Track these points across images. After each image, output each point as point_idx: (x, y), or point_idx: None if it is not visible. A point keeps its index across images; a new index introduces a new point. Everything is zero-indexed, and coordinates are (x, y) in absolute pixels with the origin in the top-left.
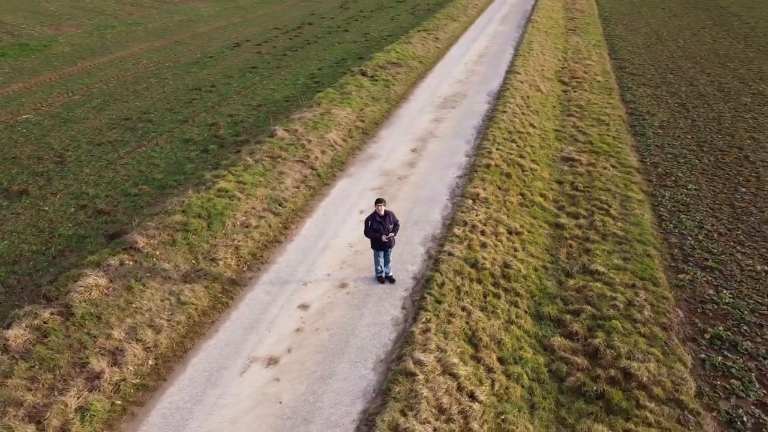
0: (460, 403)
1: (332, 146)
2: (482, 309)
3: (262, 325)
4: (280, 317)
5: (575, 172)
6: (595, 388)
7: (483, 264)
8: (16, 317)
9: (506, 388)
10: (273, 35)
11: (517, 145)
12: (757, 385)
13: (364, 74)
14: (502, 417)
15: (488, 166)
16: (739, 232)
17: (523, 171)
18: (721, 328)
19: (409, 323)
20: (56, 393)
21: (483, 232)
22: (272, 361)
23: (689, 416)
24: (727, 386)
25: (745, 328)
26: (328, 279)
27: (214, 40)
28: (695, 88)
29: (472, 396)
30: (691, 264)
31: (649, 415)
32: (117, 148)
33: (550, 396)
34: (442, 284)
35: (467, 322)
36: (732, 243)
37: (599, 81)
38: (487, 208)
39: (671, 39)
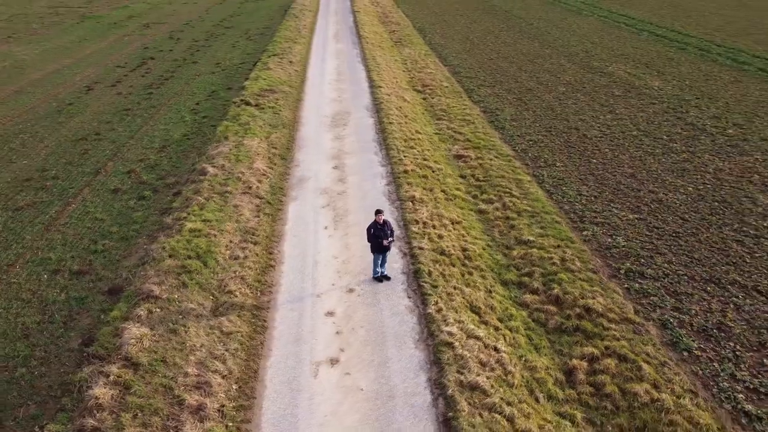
0: (491, 356)
1: (264, 175)
2: (467, 285)
3: (305, 335)
4: (316, 326)
5: (470, 166)
6: (570, 324)
7: (449, 251)
8: (83, 380)
9: (513, 338)
10: (121, 74)
11: (417, 150)
12: (668, 297)
13: (248, 104)
14: (524, 359)
15: (406, 171)
16: (607, 193)
17: (433, 171)
18: (628, 264)
19: (421, 308)
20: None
21: (434, 226)
22: (334, 361)
23: (639, 328)
24: (651, 302)
25: (643, 260)
26: (335, 288)
27: (59, 86)
28: (521, 84)
29: (496, 349)
30: (586, 222)
31: (614, 333)
32: (42, 210)
33: (543, 338)
34: (429, 273)
35: (464, 298)
36: (606, 202)
37: (446, 86)
38: (426, 206)
39: (482, 43)
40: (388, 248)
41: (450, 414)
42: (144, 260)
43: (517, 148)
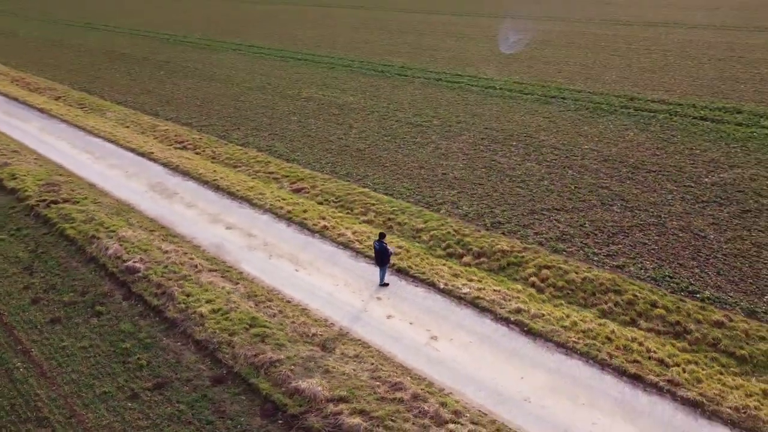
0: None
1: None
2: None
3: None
4: (411, 332)
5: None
6: None
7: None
8: None
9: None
10: None
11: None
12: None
13: (56, 202)
14: None
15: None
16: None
17: None
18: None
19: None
20: None
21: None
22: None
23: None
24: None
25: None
26: (379, 301)
27: None
28: (251, 120)
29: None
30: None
31: None
32: None
33: None
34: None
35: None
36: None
37: (197, 138)
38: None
39: (178, 94)
40: (388, 263)
41: None
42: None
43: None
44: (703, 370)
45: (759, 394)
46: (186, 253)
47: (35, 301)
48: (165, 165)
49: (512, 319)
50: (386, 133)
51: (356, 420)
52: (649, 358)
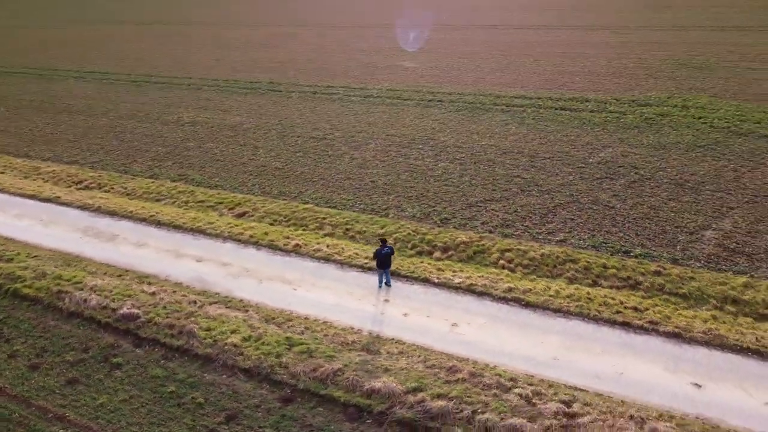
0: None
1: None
2: None
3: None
4: (432, 324)
5: None
6: None
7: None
8: None
9: None
10: None
11: None
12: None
13: None
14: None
15: None
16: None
17: None
18: None
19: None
20: None
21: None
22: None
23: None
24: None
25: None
26: (388, 303)
27: None
28: (156, 150)
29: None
30: None
31: None
32: None
33: None
34: None
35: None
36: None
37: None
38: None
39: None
40: (389, 266)
41: None
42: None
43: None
44: (665, 309)
45: (712, 319)
46: (174, 291)
47: (34, 367)
48: (82, 208)
49: (509, 297)
50: (296, 150)
51: (440, 403)
52: (625, 308)
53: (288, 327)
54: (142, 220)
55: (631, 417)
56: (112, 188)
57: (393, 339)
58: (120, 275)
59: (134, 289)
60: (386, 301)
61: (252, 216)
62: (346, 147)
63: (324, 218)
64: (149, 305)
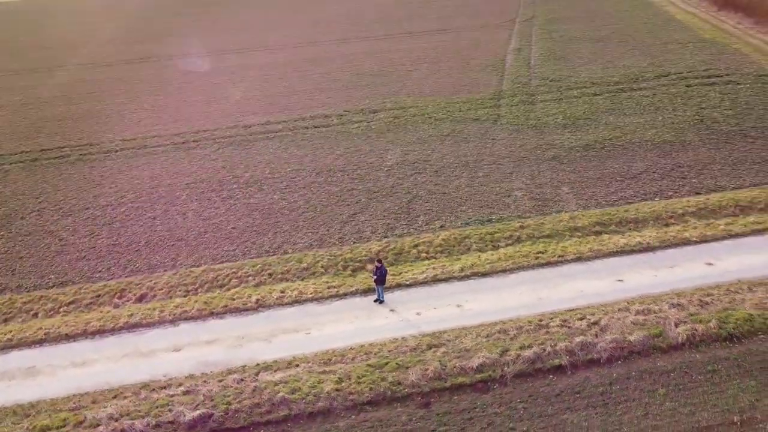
0: None
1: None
2: None
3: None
4: (456, 311)
5: None
6: None
7: None
8: None
9: None
10: None
11: None
12: None
13: None
14: None
15: None
16: None
17: None
18: None
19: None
20: None
21: None
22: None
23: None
24: None
25: None
26: (395, 312)
27: None
28: None
29: None
30: None
31: None
32: None
33: None
34: None
35: None
36: None
37: None
38: None
39: None
40: (384, 283)
41: None
42: None
43: None
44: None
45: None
46: (197, 377)
47: None
48: None
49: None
50: (107, 222)
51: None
52: (588, 244)
53: (351, 360)
54: (41, 342)
55: None
56: None
57: (446, 331)
58: (115, 396)
59: (162, 400)
60: (392, 311)
61: (155, 296)
62: (161, 211)
63: (235, 273)
64: (208, 399)
